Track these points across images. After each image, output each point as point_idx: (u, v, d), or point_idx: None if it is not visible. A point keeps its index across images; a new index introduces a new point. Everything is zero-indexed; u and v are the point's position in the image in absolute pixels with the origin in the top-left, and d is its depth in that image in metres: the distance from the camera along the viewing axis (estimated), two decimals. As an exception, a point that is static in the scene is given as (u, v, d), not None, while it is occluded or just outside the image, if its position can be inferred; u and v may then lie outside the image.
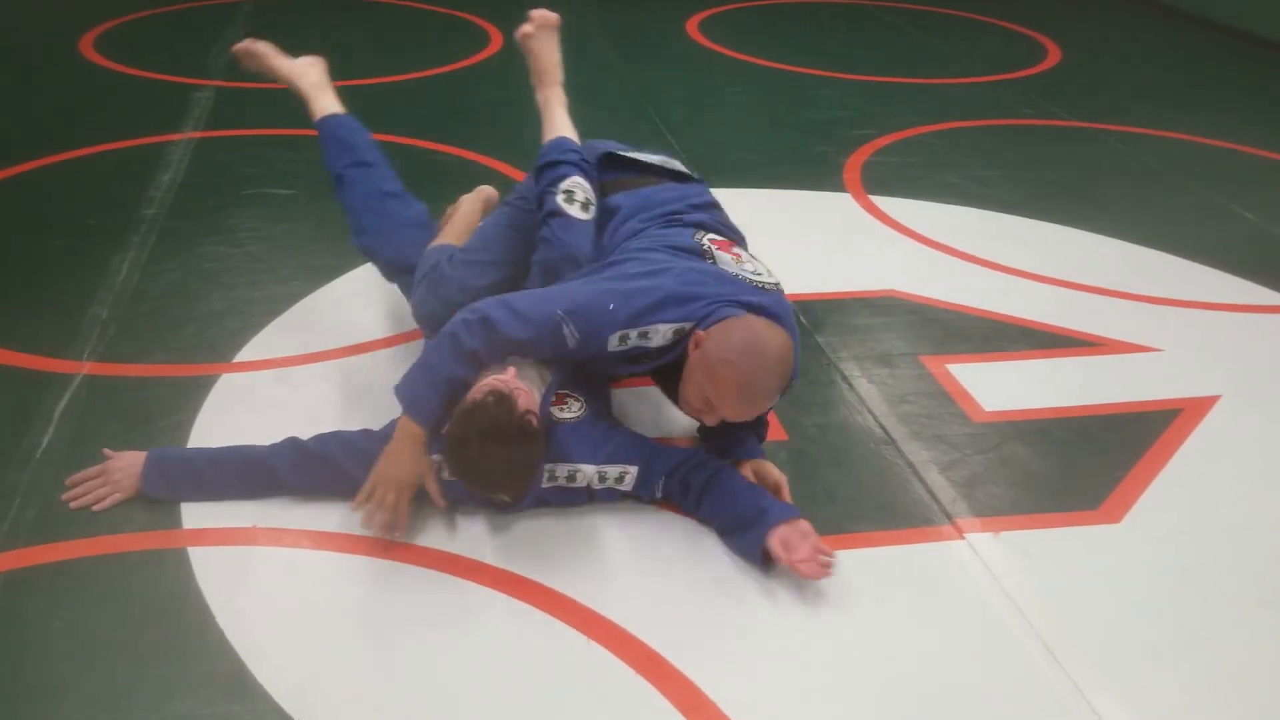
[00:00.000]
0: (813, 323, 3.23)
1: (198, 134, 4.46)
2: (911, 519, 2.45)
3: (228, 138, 4.44)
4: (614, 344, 2.30)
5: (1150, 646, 2.12)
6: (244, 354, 2.95)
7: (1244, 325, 3.37)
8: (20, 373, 2.83)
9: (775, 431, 2.72)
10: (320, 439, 2.40)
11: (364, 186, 2.93)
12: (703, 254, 2.47)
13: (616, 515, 2.41)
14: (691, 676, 1.99)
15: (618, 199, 2.69)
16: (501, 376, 2.26)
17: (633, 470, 2.37)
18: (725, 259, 2.47)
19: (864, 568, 2.29)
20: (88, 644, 2.02)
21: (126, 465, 2.39)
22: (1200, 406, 2.89)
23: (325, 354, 2.96)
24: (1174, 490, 2.56)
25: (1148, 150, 4.84)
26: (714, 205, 2.74)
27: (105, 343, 2.96)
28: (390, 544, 2.28)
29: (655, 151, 2.90)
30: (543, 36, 2.97)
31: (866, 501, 2.50)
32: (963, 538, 2.39)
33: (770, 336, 2.25)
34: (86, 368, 2.85)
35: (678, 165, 2.84)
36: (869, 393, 2.91)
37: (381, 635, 2.07)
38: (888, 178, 4.33)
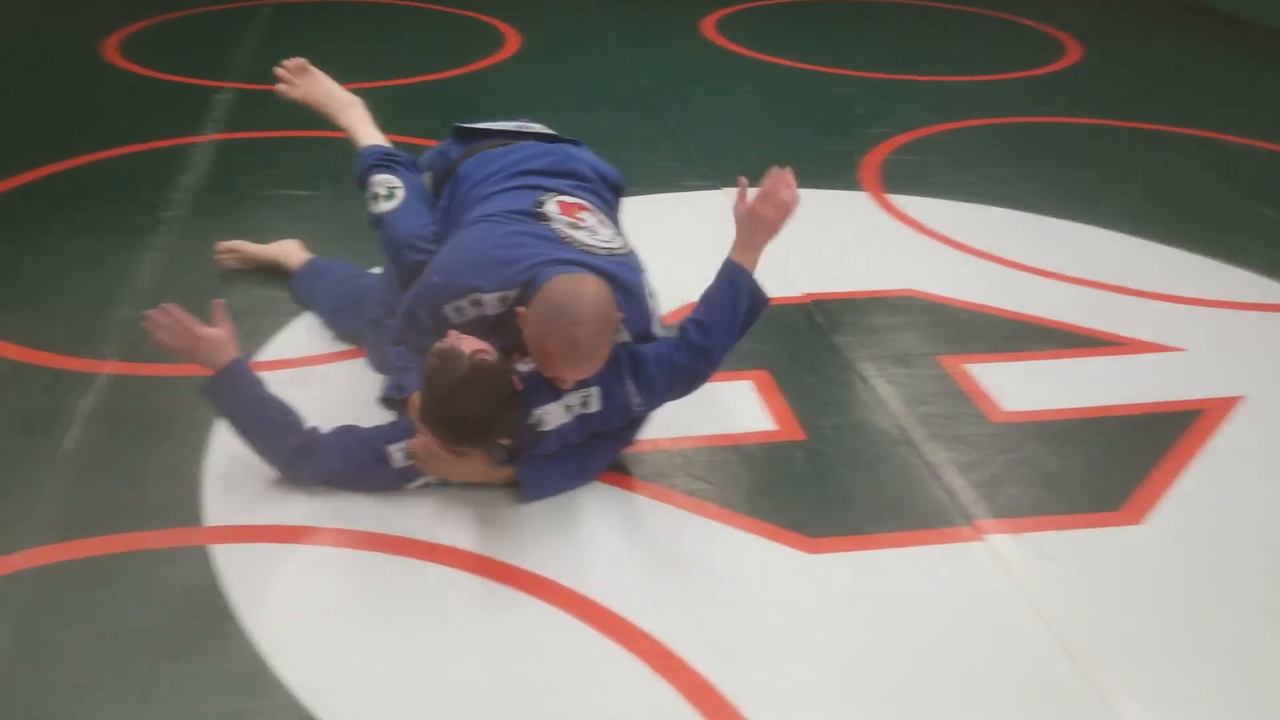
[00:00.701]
0: (830, 322, 3.22)
1: (218, 136, 4.49)
2: (930, 520, 2.44)
3: (248, 139, 4.47)
4: (453, 316, 2.36)
5: (1172, 649, 2.11)
6: (265, 353, 2.97)
7: (1268, 325, 3.34)
8: (45, 371, 2.85)
9: (792, 431, 2.72)
10: (351, 431, 2.43)
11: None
12: (538, 217, 2.47)
13: (644, 516, 2.42)
14: (708, 676, 1.99)
15: (464, 167, 2.71)
16: (483, 344, 2.28)
17: (592, 390, 2.37)
18: (563, 222, 2.47)
19: (882, 569, 2.29)
20: (110, 639, 2.04)
21: (215, 345, 2.34)
22: (1223, 407, 2.87)
23: (345, 354, 2.98)
24: (1196, 491, 2.55)
25: (1170, 148, 4.81)
26: (574, 166, 2.69)
27: (128, 342, 2.98)
28: (412, 542, 2.30)
29: (515, 119, 2.90)
30: (301, 83, 3.03)
31: (884, 502, 2.50)
32: (982, 539, 2.38)
33: (577, 289, 2.24)
34: (109, 367, 2.87)
35: (537, 128, 2.85)
36: (887, 393, 2.90)
37: (402, 633, 2.08)
38: (905, 176, 4.32)
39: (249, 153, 4.33)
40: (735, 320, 2.43)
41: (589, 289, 2.26)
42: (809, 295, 3.35)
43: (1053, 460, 2.65)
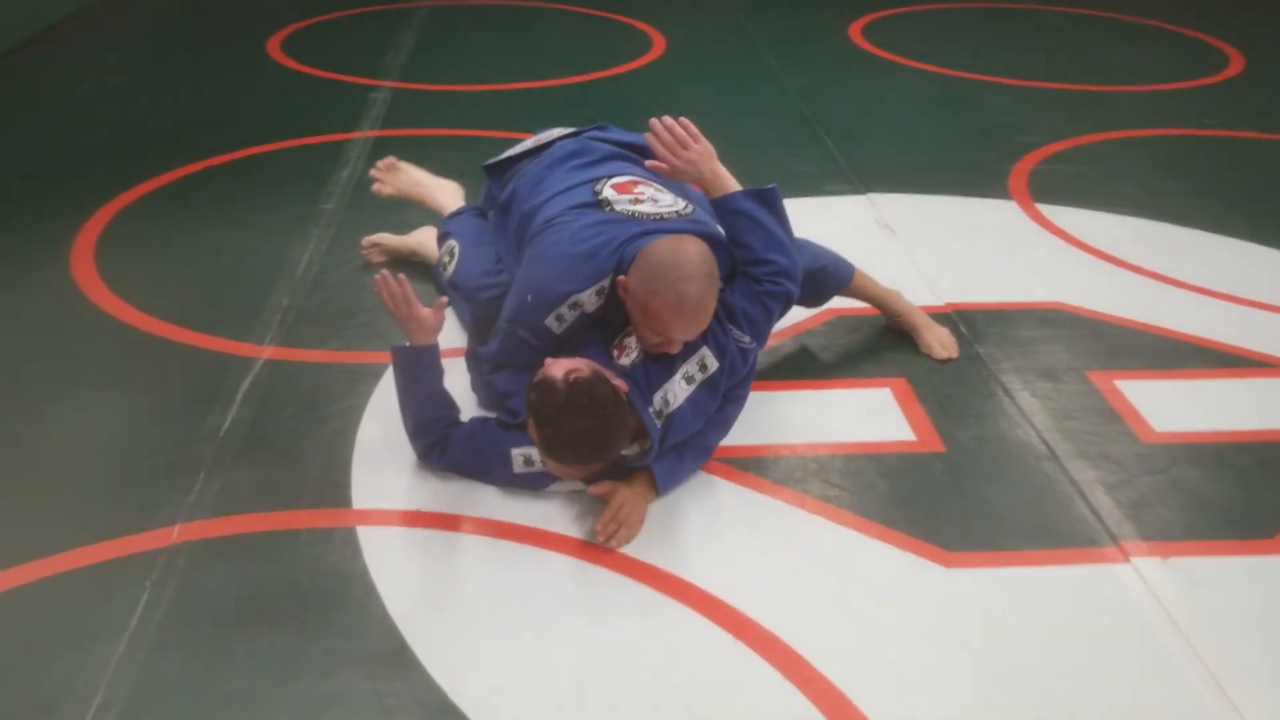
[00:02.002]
0: (973, 333, 3.16)
1: (375, 133, 4.65)
2: (1073, 539, 2.37)
3: (403, 137, 4.62)
4: (555, 325, 2.40)
5: (1330, 686, 2.01)
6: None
7: None
8: (208, 354, 3.00)
9: (931, 441, 2.68)
10: (488, 428, 2.49)
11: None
12: (600, 204, 2.52)
13: (778, 520, 2.42)
14: (838, 684, 1.98)
15: (511, 193, 2.77)
16: (575, 360, 2.32)
17: (705, 352, 2.40)
18: (624, 201, 2.52)
19: (1022, 587, 2.24)
20: (258, 614, 2.14)
21: (421, 326, 2.43)
22: (1392, 436, 2.72)
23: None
24: (1361, 523, 2.42)
25: (1342, 164, 4.56)
26: (610, 149, 2.76)
27: (285, 329, 3.12)
28: (548, 534, 2.35)
29: (535, 132, 2.96)
30: (391, 179, 3.34)
31: (1026, 518, 2.44)
32: (1128, 561, 2.30)
33: (679, 248, 2.31)
34: (268, 352, 3.00)
35: (558, 132, 2.90)
36: (1031, 406, 2.83)
37: (537, 624, 2.13)
38: (1056, 186, 4.20)
39: (402, 149, 4.43)
40: (776, 230, 2.47)
41: (689, 245, 2.33)
42: (951, 305, 3.29)
43: (1204, 483, 2.55)
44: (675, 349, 2.37)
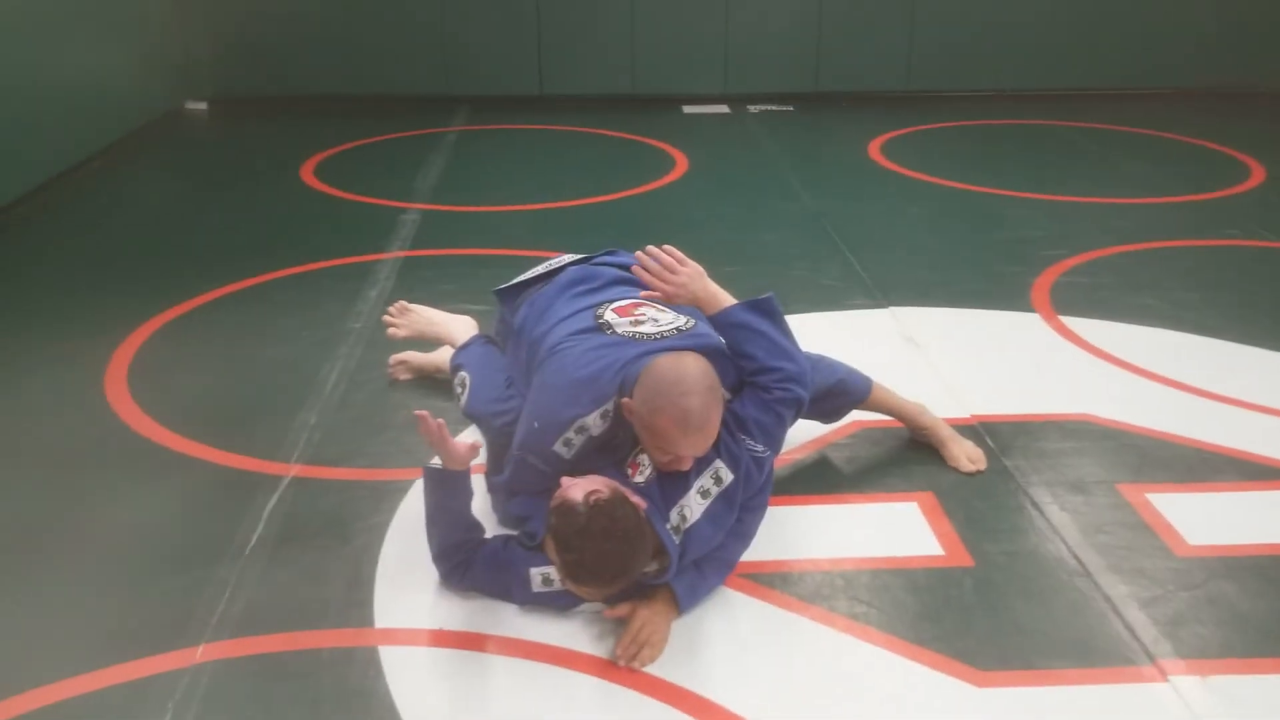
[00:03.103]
0: (1000, 446, 3.14)
1: (404, 253, 4.74)
2: (1109, 657, 2.32)
3: (431, 256, 4.71)
4: (564, 451, 2.41)
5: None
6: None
7: None
8: (236, 473, 3.03)
9: (959, 556, 2.65)
10: (509, 548, 2.48)
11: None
12: (602, 328, 2.57)
13: (804, 638, 2.38)
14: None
15: (520, 320, 2.84)
16: (593, 480, 2.31)
17: (719, 465, 2.40)
18: (624, 323, 2.56)
19: (1058, 707, 2.18)
20: (283, 736, 2.11)
21: (454, 455, 2.43)
22: None
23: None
24: (1407, 639, 2.35)
25: (1367, 273, 4.56)
26: (613, 273, 2.81)
27: (312, 447, 3.14)
28: (570, 653, 2.32)
29: (546, 261, 3.02)
30: (405, 321, 3.43)
31: (1059, 636, 2.39)
32: (1166, 680, 2.24)
33: (679, 365, 2.34)
34: (294, 470, 3.02)
35: (569, 258, 2.95)
36: (1061, 521, 2.80)
37: (559, 745, 2.09)
38: (1079, 298, 4.22)
39: (430, 268, 4.56)
40: (778, 337, 2.50)
41: (689, 361, 2.35)
42: (976, 417, 3.28)
43: (1243, 599, 2.50)
44: (686, 465, 2.37)
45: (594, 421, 2.41)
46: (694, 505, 2.40)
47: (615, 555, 2.22)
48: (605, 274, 2.82)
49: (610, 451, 2.45)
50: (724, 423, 2.41)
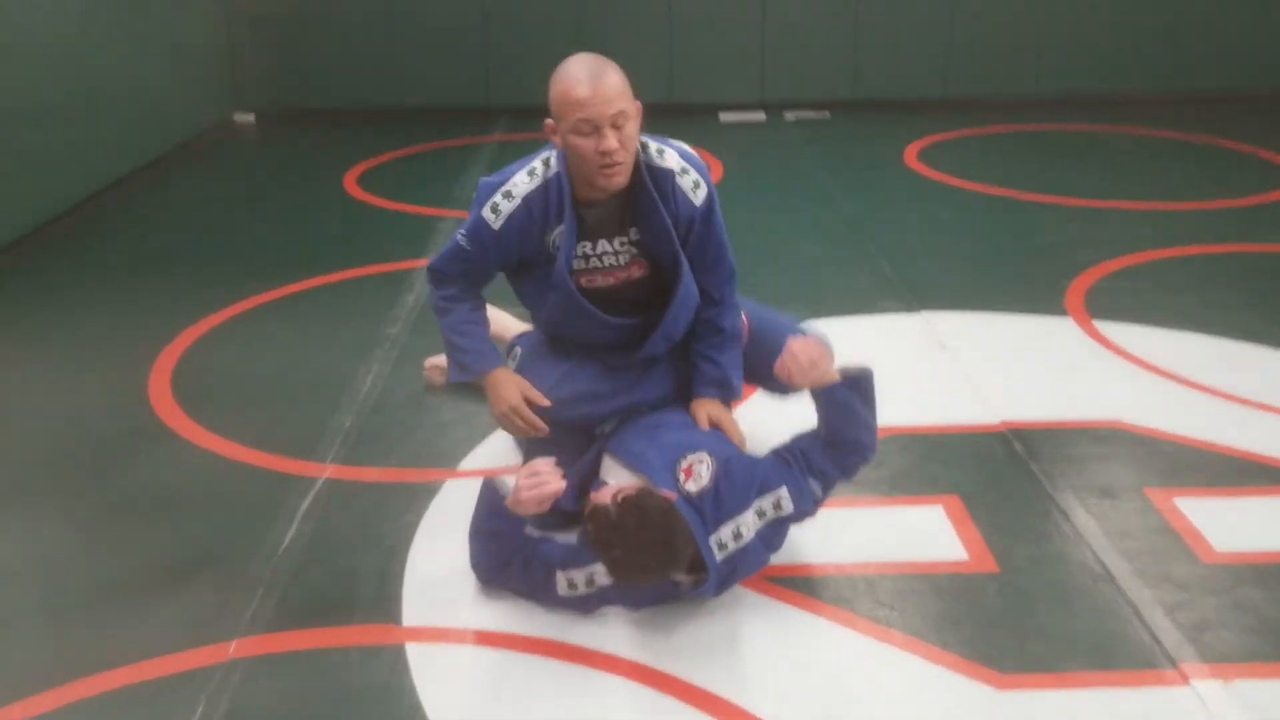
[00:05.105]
0: (1027, 451, 3.14)
1: (439, 259, 4.81)
2: (1131, 661, 2.32)
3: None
4: (491, 218, 2.61)
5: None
6: (468, 462, 3.13)
7: None
8: (271, 474, 3.10)
9: (984, 560, 2.65)
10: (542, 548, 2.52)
11: None
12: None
13: (827, 641, 2.40)
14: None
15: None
16: (620, 484, 2.37)
17: (782, 491, 2.43)
18: None
19: (1079, 711, 2.18)
20: (311, 729, 2.17)
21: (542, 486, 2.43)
22: None
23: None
24: None
25: None
26: None
27: (347, 448, 3.21)
28: (594, 653, 2.35)
29: None
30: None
31: (1082, 640, 2.39)
32: (1188, 684, 2.24)
33: (572, 57, 2.51)
34: (329, 471, 3.09)
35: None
36: (1087, 526, 2.79)
37: (580, 741, 2.12)
38: (1114, 304, 4.19)
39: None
40: (864, 414, 2.52)
41: (580, 57, 2.57)
42: (1005, 423, 3.28)
43: (1270, 606, 2.48)
44: (612, 144, 2.46)
45: (520, 179, 2.61)
46: (749, 522, 2.42)
47: (654, 544, 2.26)
48: None
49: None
50: (794, 461, 2.47)
